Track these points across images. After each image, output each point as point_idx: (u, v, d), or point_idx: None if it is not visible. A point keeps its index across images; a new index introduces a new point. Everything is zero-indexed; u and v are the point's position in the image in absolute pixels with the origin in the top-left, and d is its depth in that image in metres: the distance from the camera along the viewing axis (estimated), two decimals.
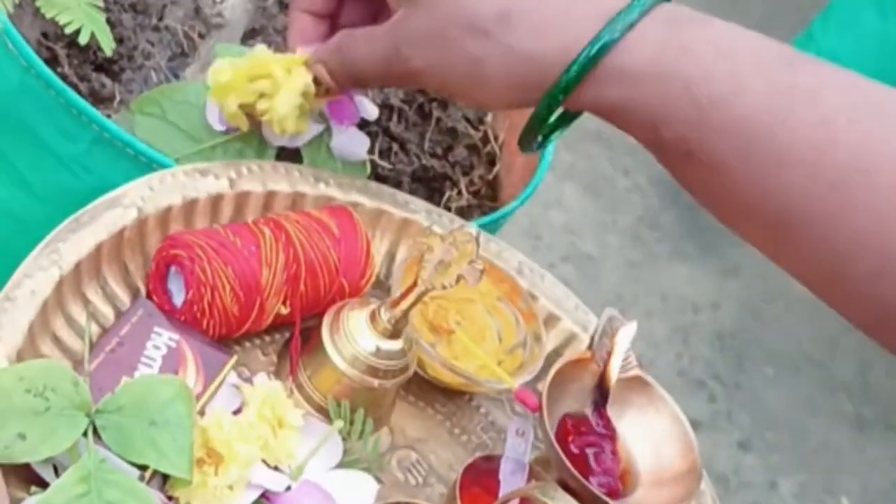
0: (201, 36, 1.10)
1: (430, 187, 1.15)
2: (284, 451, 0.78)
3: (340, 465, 0.81)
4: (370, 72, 0.84)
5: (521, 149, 0.82)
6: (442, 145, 1.18)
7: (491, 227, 1.05)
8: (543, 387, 0.86)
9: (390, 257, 0.95)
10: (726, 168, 0.72)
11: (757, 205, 0.72)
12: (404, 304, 0.81)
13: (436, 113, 1.20)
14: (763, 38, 0.74)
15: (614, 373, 0.87)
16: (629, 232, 2.62)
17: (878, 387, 2.66)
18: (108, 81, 1.02)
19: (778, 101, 0.70)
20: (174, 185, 0.85)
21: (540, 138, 0.81)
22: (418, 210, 0.96)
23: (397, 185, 1.12)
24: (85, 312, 0.79)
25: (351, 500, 0.79)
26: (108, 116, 0.95)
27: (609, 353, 0.89)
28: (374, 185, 0.95)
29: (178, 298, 0.81)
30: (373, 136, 1.14)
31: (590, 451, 0.87)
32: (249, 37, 1.11)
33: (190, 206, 0.85)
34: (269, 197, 0.89)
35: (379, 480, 0.82)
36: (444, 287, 0.79)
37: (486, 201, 1.17)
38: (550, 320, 0.97)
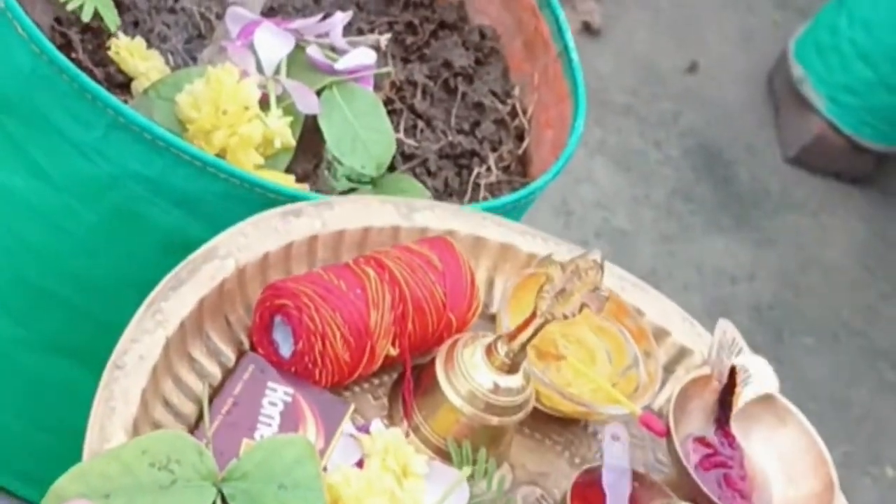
0: (218, 17, 1.07)
1: (457, 164, 1.11)
2: (412, 500, 0.75)
3: None
4: None
5: None
6: (469, 121, 1.15)
7: (523, 204, 1.01)
8: (668, 410, 0.83)
9: (489, 284, 0.92)
10: None
11: None
12: (522, 337, 0.77)
13: (461, 88, 1.16)
14: None
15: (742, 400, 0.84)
16: (663, 205, 2.58)
17: None
18: None
19: None
20: (268, 230, 0.82)
21: None
22: (515, 233, 0.92)
23: (423, 163, 1.09)
24: (192, 372, 0.76)
25: None
26: (125, 102, 0.92)
27: (730, 370, 0.86)
28: (467, 210, 0.92)
29: (285, 348, 0.78)
30: (397, 114, 1.11)
31: (718, 473, 0.84)
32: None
33: (286, 251, 0.82)
34: (365, 233, 0.86)
35: None
36: (565, 317, 0.75)
37: (515, 177, 1.13)
38: (658, 335, 0.93)
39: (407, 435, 0.80)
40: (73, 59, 0.93)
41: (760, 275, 2.55)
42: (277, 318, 0.78)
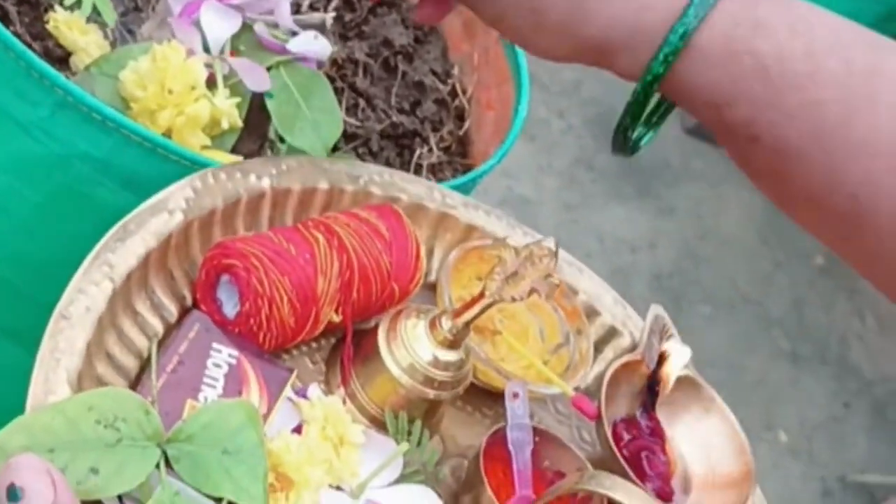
0: None
1: (399, 144, 1.11)
2: (348, 469, 0.75)
3: (399, 479, 0.79)
4: None
5: (614, 150, 0.76)
6: (409, 100, 1.14)
7: (466, 188, 1.01)
8: (600, 393, 0.84)
9: (428, 252, 0.92)
10: (796, 154, 0.67)
11: (826, 194, 0.67)
12: (467, 316, 0.78)
13: (402, 67, 1.16)
14: (847, 22, 0.68)
15: (669, 385, 0.86)
16: (565, 174, 2.61)
17: (813, 322, 2.69)
18: None
19: (858, 84, 0.65)
20: (216, 187, 0.81)
21: (631, 132, 0.73)
22: (455, 205, 0.93)
23: (366, 143, 1.09)
24: (135, 326, 0.75)
25: None
26: (67, 78, 0.89)
27: (659, 355, 0.88)
28: (410, 176, 0.92)
29: (229, 308, 0.78)
30: (338, 93, 1.10)
31: (642, 455, 0.86)
32: None
33: (233, 207, 0.82)
34: (308, 194, 0.86)
35: (436, 492, 0.80)
36: (513, 300, 0.76)
37: (456, 158, 1.14)
38: (589, 315, 0.94)
39: (343, 402, 0.80)
40: (10, 32, 0.90)
41: (660, 244, 2.60)
42: (224, 278, 0.77)
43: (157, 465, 0.66)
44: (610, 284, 0.98)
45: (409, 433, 0.80)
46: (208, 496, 0.67)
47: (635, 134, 0.73)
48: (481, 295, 0.77)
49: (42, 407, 0.66)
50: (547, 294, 0.75)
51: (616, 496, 0.70)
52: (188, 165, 0.87)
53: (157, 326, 0.77)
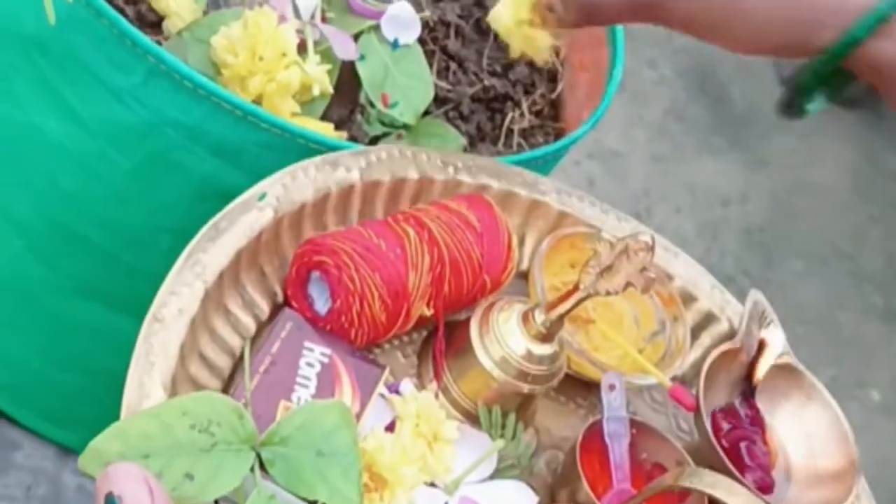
0: None
1: (490, 108, 1.09)
2: (442, 466, 0.75)
3: (494, 475, 0.78)
4: (607, 4, 0.77)
5: (780, 111, 0.75)
6: (500, 62, 1.12)
7: (558, 153, 1.00)
8: (698, 384, 0.83)
9: (520, 239, 0.91)
10: None
11: None
12: (561, 309, 0.77)
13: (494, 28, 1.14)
14: None
15: (761, 373, 0.84)
16: (656, 126, 2.56)
17: None
18: None
19: None
20: (306, 181, 0.80)
21: (800, 101, 0.73)
22: (548, 191, 0.91)
23: (457, 107, 1.07)
24: (228, 325, 0.75)
25: None
26: (159, 43, 0.89)
27: (759, 342, 0.86)
28: (500, 165, 0.91)
29: (321, 304, 0.77)
30: (429, 55, 1.08)
31: (742, 445, 0.84)
32: None
33: (322, 201, 0.81)
34: (398, 185, 0.85)
35: (531, 487, 0.79)
36: (608, 293, 0.74)
37: (548, 121, 1.11)
38: (685, 300, 0.93)
39: (436, 396, 0.80)
40: None
41: (752, 197, 2.55)
42: (315, 274, 0.77)
43: (252, 469, 0.66)
44: (700, 238, 0.96)
45: (503, 427, 0.79)
46: (303, 499, 0.67)
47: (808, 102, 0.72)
48: (575, 288, 0.75)
49: (137, 412, 0.66)
50: (643, 288, 0.73)
51: (717, 495, 0.69)
52: (278, 133, 0.86)
53: (250, 325, 0.76)
